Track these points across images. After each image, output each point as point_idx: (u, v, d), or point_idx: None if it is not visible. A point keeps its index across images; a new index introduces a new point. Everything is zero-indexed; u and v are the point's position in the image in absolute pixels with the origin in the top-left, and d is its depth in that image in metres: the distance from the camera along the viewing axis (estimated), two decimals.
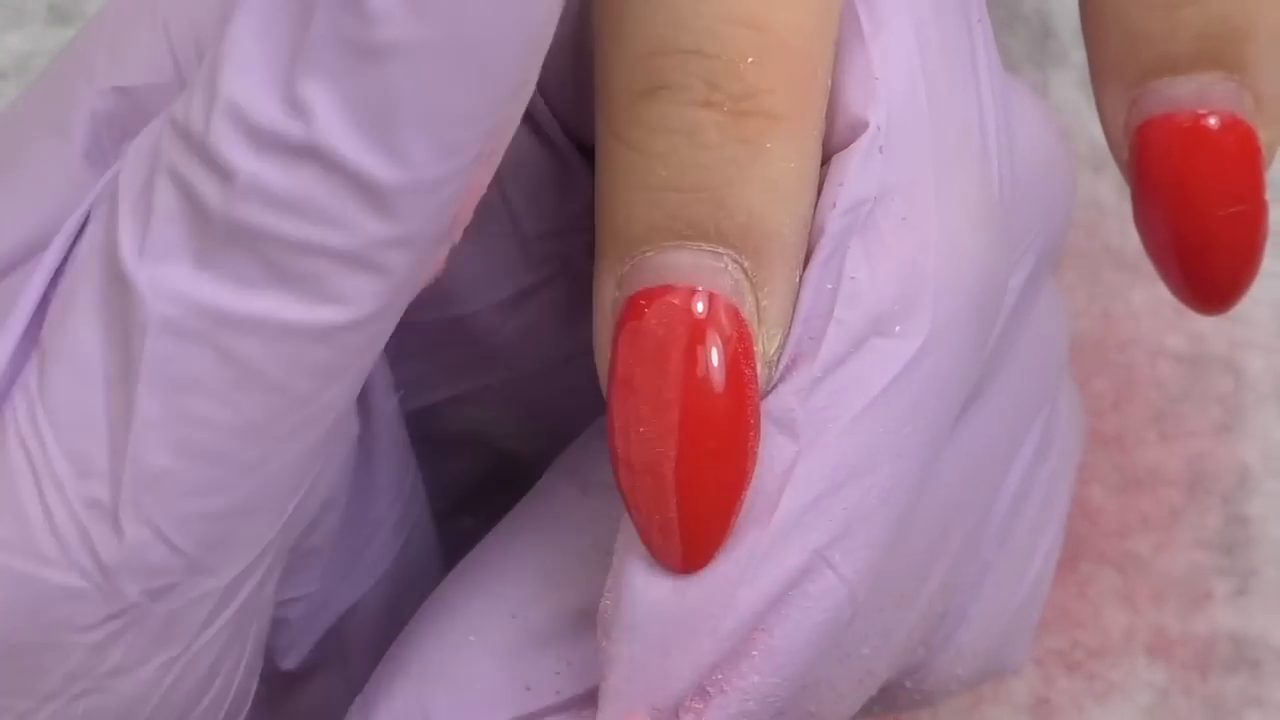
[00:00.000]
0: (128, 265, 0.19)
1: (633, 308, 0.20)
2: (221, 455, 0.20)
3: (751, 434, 0.20)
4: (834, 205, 0.20)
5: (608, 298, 0.20)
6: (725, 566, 0.20)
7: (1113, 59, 0.23)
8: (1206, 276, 0.23)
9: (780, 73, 0.19)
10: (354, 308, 0.19)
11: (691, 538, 0.20)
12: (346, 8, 0.18)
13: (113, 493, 0.19)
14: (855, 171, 0.20)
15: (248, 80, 0.18)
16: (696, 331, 0.20)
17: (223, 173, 0.18)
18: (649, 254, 0.20)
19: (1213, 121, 0.23)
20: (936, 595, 0.24)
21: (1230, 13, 0.22)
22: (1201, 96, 0.23)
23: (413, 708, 0.22)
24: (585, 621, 0.22)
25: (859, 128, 0.20)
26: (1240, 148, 0.23)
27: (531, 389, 0.26)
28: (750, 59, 0.19)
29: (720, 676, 0.20)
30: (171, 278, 0.19)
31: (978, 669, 0.27)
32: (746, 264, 0.20)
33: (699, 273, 0.20)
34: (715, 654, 0.20)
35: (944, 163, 0.21)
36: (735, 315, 0.20)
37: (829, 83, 0.20)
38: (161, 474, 0.19)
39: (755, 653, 0.20)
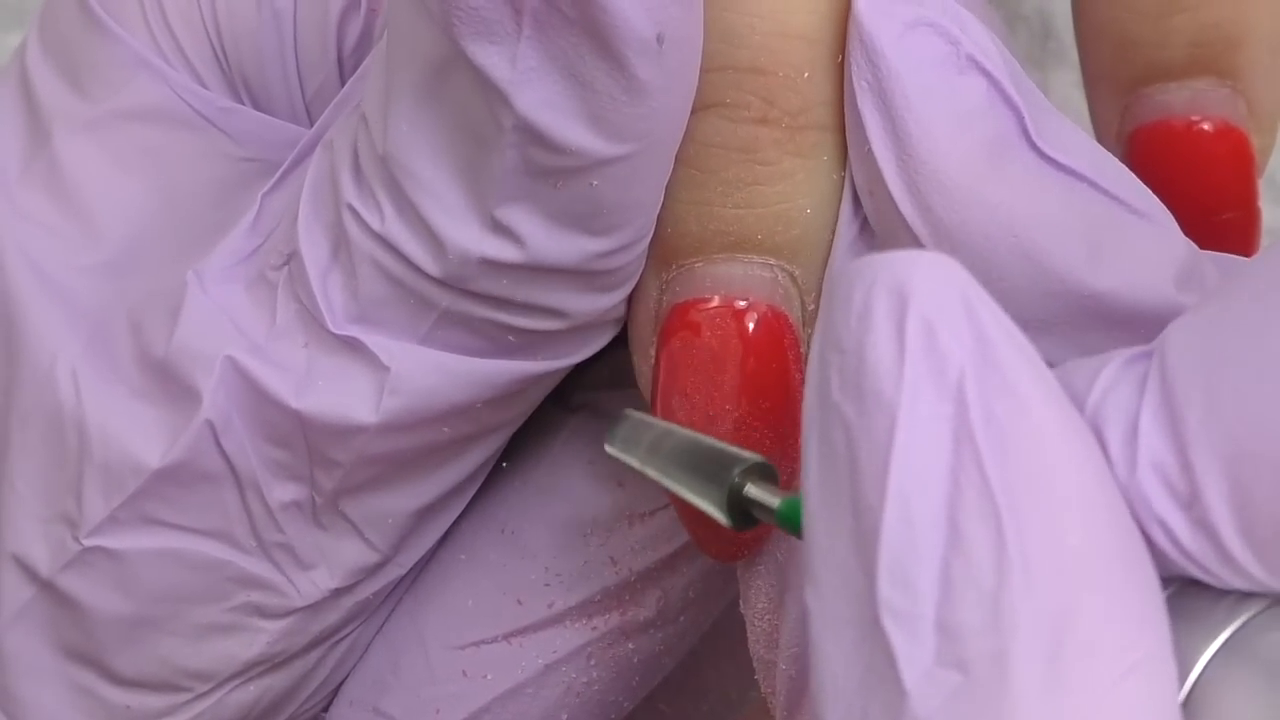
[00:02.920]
0: (339, 331, 0.20)
1: (683, 316, 0.20)
2: (427, 466, 0.21)
3: (798, 432, 0.20)
4: None
5: (651, 299, 0.20)
6: None
7: (1106, 66, 0.23)
8: None
9: (832, 84, 0.19)
10: (582, 354, 0.21)
11: (741, 534, 0.20)
12: (536, 143, 0.18)
13: (318, 494, 0.21)
14: None
15: (445, 210, 0.19)
16: (750, 344, 0.20)
17: (438, 282, 0.20)
18: (698, 264, 0.20)
19: (1206, 127, 0.23)
20: None
21: (1222, 19, 0.23)
22: (1194, 103, 0.23)
23: (406, 631, 0.23)
24: (571, 531, 0.22)
25: None
26: (1233, 154, 0.23)
27: None
28: (806, 74, 0.19)
29: None
30: (396, 343, 0.20)
31: None
32: (796, 272, 0.20)
33: (751, 284, 0.20)
34: None
35: None
36: (785, 322, 0.20)
37: None
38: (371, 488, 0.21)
39: None
